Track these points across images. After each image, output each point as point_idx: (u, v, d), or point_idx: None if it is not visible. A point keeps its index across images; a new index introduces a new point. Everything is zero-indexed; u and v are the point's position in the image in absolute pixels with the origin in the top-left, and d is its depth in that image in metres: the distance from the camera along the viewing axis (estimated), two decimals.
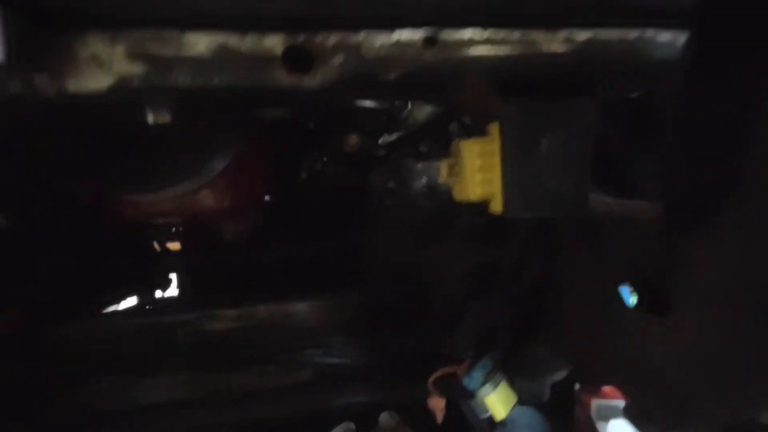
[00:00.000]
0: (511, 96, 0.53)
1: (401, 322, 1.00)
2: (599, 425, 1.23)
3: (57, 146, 0.74)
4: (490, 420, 1.52)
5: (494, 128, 0.54)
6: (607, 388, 1.39)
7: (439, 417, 0.75)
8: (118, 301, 1.34)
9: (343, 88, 0.44)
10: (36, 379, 0.96)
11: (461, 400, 0.73)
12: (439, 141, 0.99)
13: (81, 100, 0.39)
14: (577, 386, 1.09)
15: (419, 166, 0.90)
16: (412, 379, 0.98)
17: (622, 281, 0.55)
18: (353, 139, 1.41)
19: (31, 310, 1.01)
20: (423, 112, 1.54)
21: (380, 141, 1.42)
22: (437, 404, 0.74)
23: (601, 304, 0.60)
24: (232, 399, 0.99)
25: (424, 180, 0.88)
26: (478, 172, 0.55)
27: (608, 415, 1.33)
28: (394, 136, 1.48)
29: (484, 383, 0.68)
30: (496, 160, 0.54)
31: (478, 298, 0.79)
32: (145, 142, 0.81)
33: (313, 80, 0.43)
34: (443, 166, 0.64)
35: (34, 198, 1.00)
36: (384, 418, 1.54)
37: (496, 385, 0.69)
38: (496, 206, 0.55)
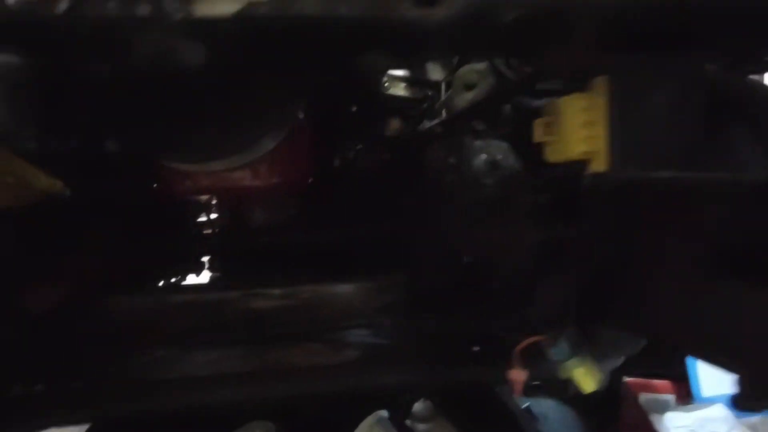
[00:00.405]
0: (620, 49, 0.51)
1: (453, 303, 0.98)
2: (653, 418, 1.20)
3: (124, 99, 0.72)
4: (528, 408, 1.49)
5: (601, 82, 0.53)
6: (657, 382, 1.36)
7: (518, 389, 0.73)
8: (165, 277, 1.33)
9: (464, 26, 0.42)
10: (87, 350, 0.95)
11: (544, 372, 0.71)
12: (495, 120, 0.97)
13: (205, 26, 0.38)
14: (624, 379, 1.06)
15: (478, 143, 0.89)
16: (459, 362, 0.96)
17: (717, 253, 0.53)
18: (395, 124, 1.41)
19: (81, 283, 1.00)
20: (463, 98, 1.53)
21: (421, 127, 1.42)
22: (519, 376, 0.71)
23: (695, 278, 0.58)
24: (276, 374, 0.97)
25: (483, 157, 0.86)
26: (581, 128, 0.53)
27: (658, 408, 1.31)
28: (435, 122, 1.47)
29: (572, 355, 0.66)
30: (602, 115, 0.53)
31: (543, 277, 0.77)
32: (203, 109, 0.79)
33: (437, 13, 0.41)
34: (538, 126, 0.62)
35: (94, 165, 0.99)
36: (419, 407, 1.52)
37: (583, 358, 0.67)
38: (599, 164, 0.54)
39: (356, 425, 1.42)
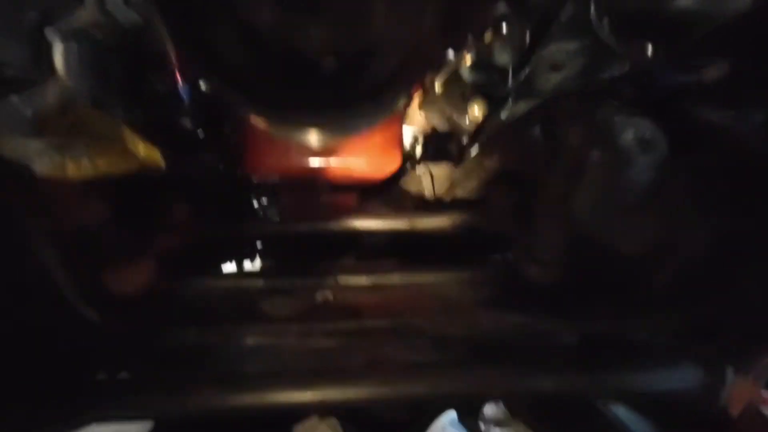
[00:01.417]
0: None
1: (577, 300, 0.89)
2: None
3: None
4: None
5: None
6: None
7: (738, 407, 0.64)
8: (233, 260, 1.27)
9: None
10: (173, 337, 0.88)
11: None
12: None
13: None
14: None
15: (620, 119, 0.80)
16: (580, 367, 0.86)
17: None
18: (479, 104, 1.32)
19: (165, 265, 0.93)
20: (549, 80, 1.43)
21: (505, 111, 1.33)
22: (751, 392, 0.61)
23: None
24: (374, 372, 0.89)
25: (631, 133, 0.77)
26: None
27: None
28: (520, 104, 1.37)
29: None
30: None
31: (717, 276, 0.67)
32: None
33: None
34: None
35: (188, 139, 0.92)
36: (490, 409, 1.43)
37: None
38: None
39: (425, 425, 1.33)
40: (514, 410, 1.38)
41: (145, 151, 0.75)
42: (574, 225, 0.84)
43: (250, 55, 0.67)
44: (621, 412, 1.26)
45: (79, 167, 0.62)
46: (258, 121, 0.76)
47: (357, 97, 0.68)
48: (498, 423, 1.38)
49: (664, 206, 0.73)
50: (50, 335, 0.76)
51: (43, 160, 0.58)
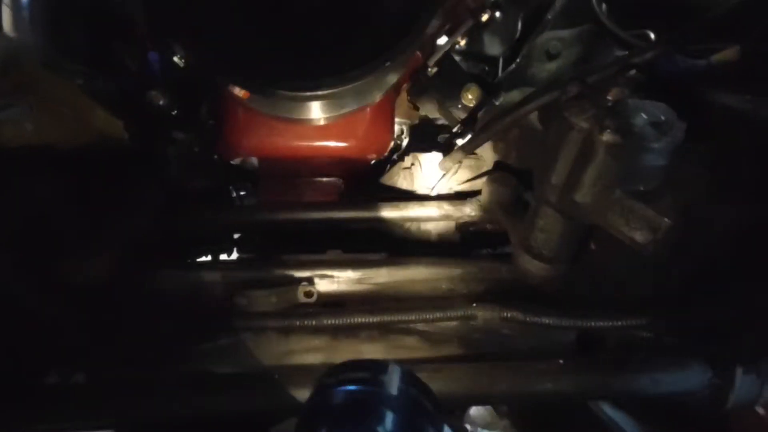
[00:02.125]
0: None
1: (580, 298, 0.84)
2: None
3: None
4: None
5: None
6: None
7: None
8: (203, 251, 1.17)
9: None
10: (136, 334, 0.78)
11: None
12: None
13: None
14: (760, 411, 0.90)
15: (631, 102, 0.74)
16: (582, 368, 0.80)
17: None
18: (473, 91, 1.26)
19: (129, 253, 0.83)
20: (544, 69, 1.39)
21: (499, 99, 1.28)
22: None
23: None
24: None
25: (643, 117, 0.72)
26: None
27: None
28: (514, 92, 1.32)
29: None
30: None
31: (733, 271, 0.63)
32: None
33: None
34: None
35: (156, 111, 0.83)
36: (477, 411, 1.38)
37: None
38: None
39: None
40: (501, 411, 1.33)
41: (104, 120, 0.66)
42: (579, 217, 0.78)
43: (242, 19, 0.59)
44: (612, 411, 1.22)
45: (18, 133, 0.52)
46: (243, 96, 0.68)
47: (353, 64, 0.61)
48: (485, 425, 1.33)
49: (678, 196, 0.68)
50: None
51: None
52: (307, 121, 0.82)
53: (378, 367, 0.49)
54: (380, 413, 0.44)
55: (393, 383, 0.46)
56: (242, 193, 1.41)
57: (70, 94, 0.62)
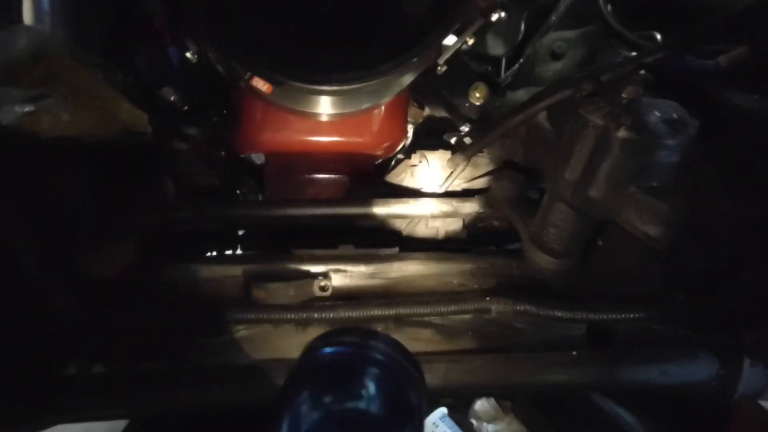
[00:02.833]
0: None
1: (590, 290, 0.86)
2: None
3: None
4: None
5: None
6: None
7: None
8: (213, 246, 1.17)
9: None
10: (154, 326, 0.78)
11: None
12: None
13: None
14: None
15: (645, 99, 0.76)
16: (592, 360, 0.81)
17: None
18: (481, 90, 1.27)
19: (145, 247, 0.84)
20: (550, 68, 1.41)
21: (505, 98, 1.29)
22: None
23: None
24: None
25: (657, 114, 0.74)
26: None
27: None
28: (520, 91, 1.34)
29: None
30: None
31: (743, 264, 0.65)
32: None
33: None
34: None
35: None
36: (481, 405, 1.40)
37: None
38: None
39: None
40: (505, 405, 1.35)
41: (129, 112, 0.66)
42: (592, 212, 0.80)
43: (261, 11, 0.59)
44: (615, 405, 1.24)
45: (54, 123, 0.53)
46: (267, 90, 0.69)
47: (380, 59, 0.62)
48: (490, 419, 1.34)
49: (689, 191, 0.70)
50: (12, 323, 0.66)
51: (12, 110, 0.49)
52: (324, 115, 0.82)
53: (364, 333, 0.49)
54: (364, 373, 0.44)
55: (378, 348, 0.47)
56: (245, 191, 1.41)
57: (97, 85, 0.63)
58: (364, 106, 0.82)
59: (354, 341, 0.48)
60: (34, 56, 0.55)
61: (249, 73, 0.61)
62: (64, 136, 0.56)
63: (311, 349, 0.48)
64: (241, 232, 1.34)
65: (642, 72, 0.83)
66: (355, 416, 0.42)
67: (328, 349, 0.47)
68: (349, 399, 0.43)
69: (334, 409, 0.42)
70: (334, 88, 0.65)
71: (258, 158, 1.29)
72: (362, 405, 0.43)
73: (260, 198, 1.35)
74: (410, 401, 0.46)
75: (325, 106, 0.78)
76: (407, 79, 0.81)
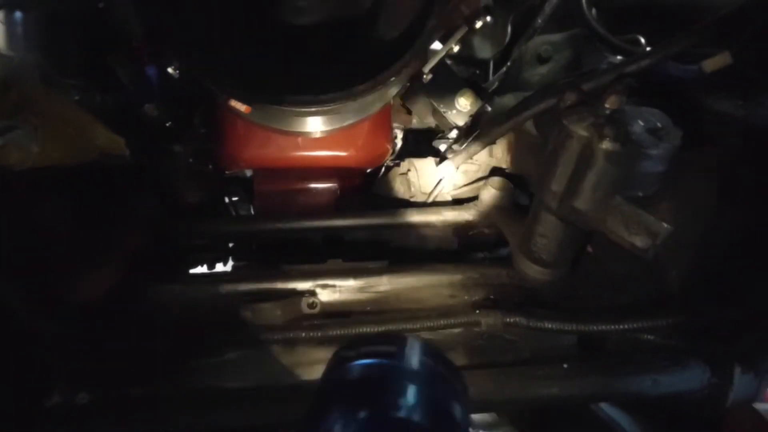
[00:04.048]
0: None
1: (580, 300, 0.85)
2: None
3: None
4: None
5: None
6: None
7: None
8: (198, 263, 1.16)
9: None
10: (140, 350, 0.77)
11: None
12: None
13: None
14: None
15: (628, 108, 0.76)
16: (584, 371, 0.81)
17: None
18: (468, 96, 1.26)
19: (129, 267, 0.82)
20: (537, 72, 1.40)
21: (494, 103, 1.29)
22: None
23: None
24: None
25: (641, 124, 0.73)
26: None
27: None
28: (507, 96, 1.33)
29: None
30: None
31: (735, 273, 0.64)
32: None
33: None
34: None
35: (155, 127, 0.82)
36: (480, 414, 1.39)
37: None
38: None
39: None
40: (502, 414, 1.34)
41: (105, 137, 0.65)
42: (579, 223, 0.79)
43: (236, 31, 0.58)
44: (612, 411, 1.24)
45: (24, 156, 0.51)
46: (245, 110, 0.67)
47: (358, 79, 0.61)
48: (486, 427, 1.34)
49: (676, 200, 0.69)
50: None
51: None
52: (308, 134, 0.81)
53: (400, 340, 0.44)
54: (401, 388, 0.39)
55: (416, 358, 0.42)
56: (235, 198, 1.40)
57: (71, 111, 0.61)
58: (347, 123, 0.81)
59: (389, 351, 0.42)
60: (4, 84, 0.54)
61: (225, 96, 0.60)
62: (38, 166, 0.54)
63: (340, 361, 0.42)
64: (231, 245, 1.33)
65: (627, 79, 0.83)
66: None
67: (359, 362, 0.41)
68: (385, 417, 0.38)
69: (369, 429, 0.37)
70: (312, 108, 0.65)
71: (247, 171, 1.28)
72: (401, 424, 0.38)
73: (251, 209, 1.34)
74: (453, 416, 0.40)
75: (305, 125, 0.77)
76: (391, 92, 0.80)
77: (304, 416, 0.40)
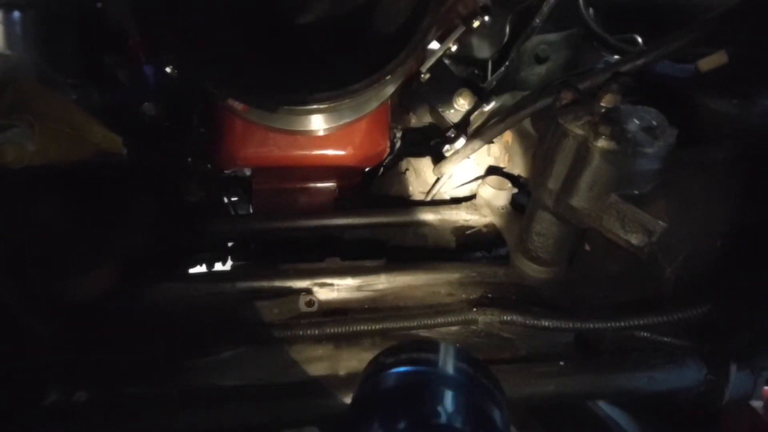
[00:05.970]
0: None
1: (577, 298, 0.85)
2: None
3: None
4: None
5: None
6: None
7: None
8: (194, 262, 1.16)
9: None
10: (138, 348, 0.77)
11: None
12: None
13: None
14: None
15: (624, 107, 0.76)
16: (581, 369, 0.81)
17: None
18: (465, 96, 1.27)
19: (127, 266, 0.83)
20: (535, 72, 1.40)
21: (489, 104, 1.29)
22: None
23: None
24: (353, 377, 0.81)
25: (636, 123, 0.74)
26: None
27: None
28: (505, 96, 1.33)
29: None
30: None
31: (731, 271, 0.64)
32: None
33: None
34: None
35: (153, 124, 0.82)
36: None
37: None
38: None
39: None
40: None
41: (103, 136, 0.65)
42: (575, 221, 0.80)
43: (233, 30, 0.59)
44: (609, 409, 1.24)
45: (20, 154, 0.51)
46: (242, 109, 0.67)
47: (354, 78, 0.61)
48: None
49: (672, 198, 0.69)
50: None
51: None
52: (305, 133, 0.82)
53: (435, 347, 0.44)
54: (440, 396, 0.39)
55: (453, 365, 0.41)
56: (234, 198, 1.41)
57: (68, 110, 0.61)
58: (343, 122, 0.81)
59: (426, 358, 0.42)
60: (1, 82, 0.54)
61: (222, 95, 0.60)
62: (34, 164, 0.55)
63: (377, 370, 0.42)
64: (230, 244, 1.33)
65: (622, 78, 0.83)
66: None
67: (397, 369, 0.41)
68: (427, 425, 0.38)
69: None
70: (308, 107, 0.65)
71: (245, 170, 1.28)
72: (443, 431, 0.38)
73: (250, 208, 1.34)
74: (493, 421, 0.40)
75: (302, 124, 0.77)
76: (387, 91, 0.81)
77: (344, 426, 0.40)
